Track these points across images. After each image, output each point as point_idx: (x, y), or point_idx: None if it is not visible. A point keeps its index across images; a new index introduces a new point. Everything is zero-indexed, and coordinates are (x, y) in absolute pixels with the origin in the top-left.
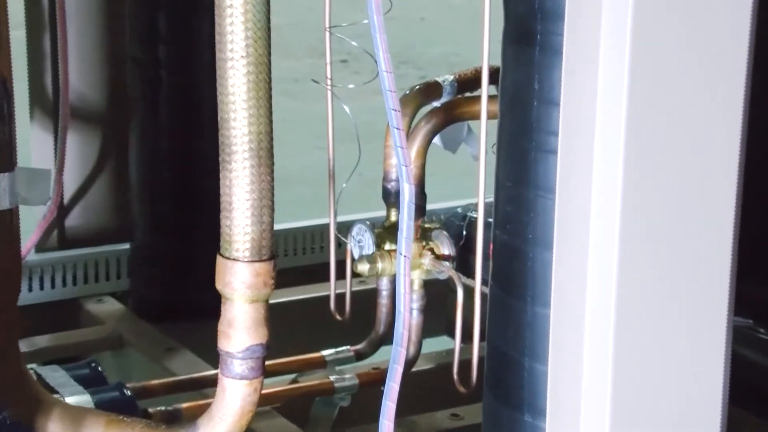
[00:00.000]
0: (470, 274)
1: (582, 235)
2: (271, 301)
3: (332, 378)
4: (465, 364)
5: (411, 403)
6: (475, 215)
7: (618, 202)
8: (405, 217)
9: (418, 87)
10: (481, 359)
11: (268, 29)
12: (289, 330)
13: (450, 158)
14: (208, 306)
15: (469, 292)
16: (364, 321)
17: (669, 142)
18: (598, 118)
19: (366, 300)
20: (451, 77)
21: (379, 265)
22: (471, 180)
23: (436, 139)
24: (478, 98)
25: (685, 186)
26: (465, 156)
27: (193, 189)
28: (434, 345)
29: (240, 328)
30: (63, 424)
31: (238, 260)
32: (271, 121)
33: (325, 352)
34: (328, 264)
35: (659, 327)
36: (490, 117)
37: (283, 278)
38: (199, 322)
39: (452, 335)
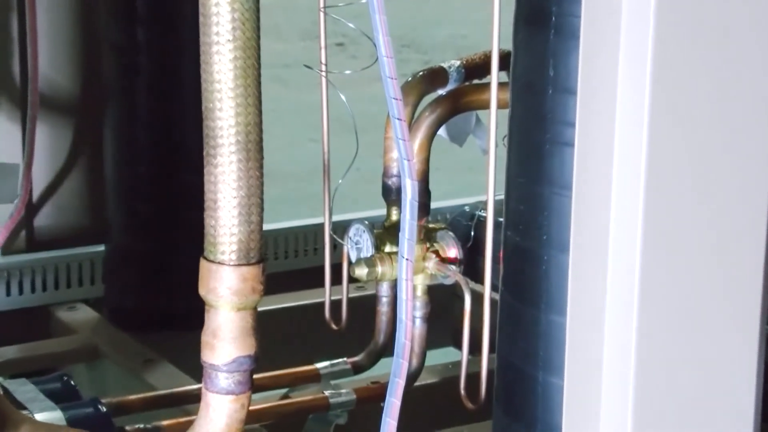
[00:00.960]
0: (479, 279)
1: (601, 235)
2: (260, 309)
3: (327, 393)
4: (473, 377)
5: (413, 421)
6: (484, 214)
7: (641, 199)
8: (407, 217)
9: (421, 73)
10: (490, 372)
11: (257, 10)
12: (280, 340)
13: (456, 152)
14: (191, 314)
15: (477, 298)
16: (363, 330)
17: (696, 133)
18: (618, 107)
19: (364, 307)
20: (458, 62)
21: (379, 269)
22: (479, 175)
23: (442, 131)
24: (487, 86)
25: (713, 180)
26: (473, 149)
27: (175, 186)
28: (439, 357)
29: (226, 339)
30: None
31: (223, 264)
32: (260, 111)
33: (320, 365)
34: (322, 268)
35: (686, 338)
36: (500, 106)
37: (273, 283)
38: (181, 331)
39: (459, 346)
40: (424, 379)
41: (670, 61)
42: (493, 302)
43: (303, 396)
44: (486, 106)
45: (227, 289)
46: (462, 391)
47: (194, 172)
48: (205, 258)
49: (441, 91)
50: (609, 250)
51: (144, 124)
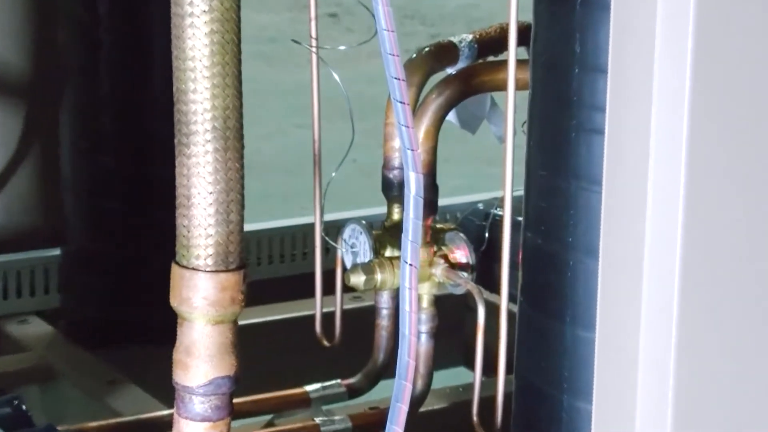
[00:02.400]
0: (494, 288)
1: (635, 237)
2: (241, 323)
3: (318, 420)
4: (487, 402)
5: None
6: (500, 213)
7: (681, 195)
8: (411, 215)
9: (428, 49)
10: (507, 396)
11: None
12: (264, 359)
13: (468, 140)
14: (161, 328)
15: (492, 310)
16: (359, 348)
17: (744, 117)
18: (655, 88)
19: (361, 321)
20: (470, 37)
21: (378, 277)
22: (495, 168)
23: (451, 116)
24: (503, 64)
25: (763, 172)
26: (487, 137)
27: (143, 179)
28: (448, 378)
29: (201, 357)
30: None
31: (198, 270)
32: (240, 93)
33: (310, 387)
34: (312, 275)
35: (732, 357)
36: (519, 88)
37: (256, 293)
38: (150, 348)
39: (471, 366)
40: (430, 404)
41: (714, 34)
42: (510, 315)
43: (290, 423)
44: (502, 87)
45: (203, 300)
46: (474, 418)
47: (165, 164)
48: (177, 263)
49: (450, 70)
50: (645, 254)
51: (107, 108)
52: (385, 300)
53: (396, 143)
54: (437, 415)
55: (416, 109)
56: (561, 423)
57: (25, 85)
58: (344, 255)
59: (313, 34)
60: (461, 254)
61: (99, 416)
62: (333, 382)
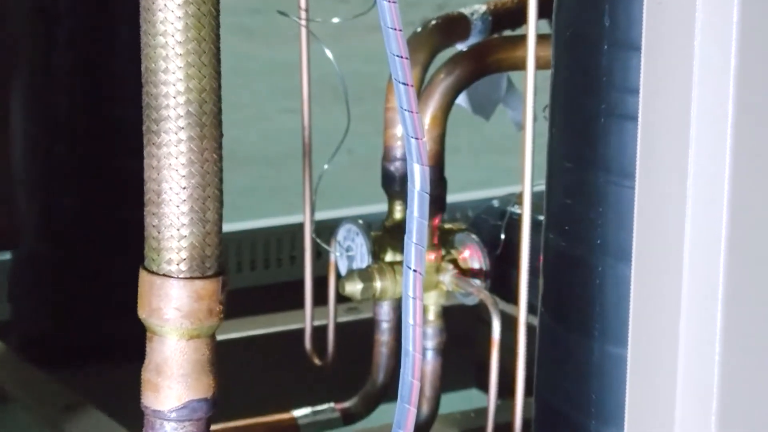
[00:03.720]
0: (511, 298)
1: (673, 239)
2: (220, 337)
3: None
4: (503, 429)
5: None
6: (518, 211)
7: (725, 190)
8: (415, 214)
9: (435, 22)
10: (526, 422)
11: None
12: (246, 379)
13: (481, 127)
14: (127, 344)
15: (509, 323)
16: (355, 366)
17: None
18: (696, 66)
19: (358, 336)
20: (483, 8)
21: (377, 285)
22: (512, 159)
23: (462, 99)
24: (522, 39)
25: None
26: (503, 124)
27: (105, 174)
28: (458, 402)
29: (174, 377)
30: None
31: (170, 276)
32: (218, 73)
33: (299, 412)
34: (301, 283)
35: None
36: (540, 67)
37: (237, 303)
38: (114, 367)
39: (484, 387)
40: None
41: (764, 4)
42: (529, 329)
43: None
44: (520, 66)
45: (176, 311)
46: None
47: (132, 155)
48: (146, 269)
49: (461, 46)
50: (684, 258)
51: (65, 90)
52: (385, 312)
53: (398, 131)
54: None
55: (421, 91)
56: None
57: None
58: (338, 259)
59: (303, 5)
60: (473, 258)
61: None
62: (325, 406)
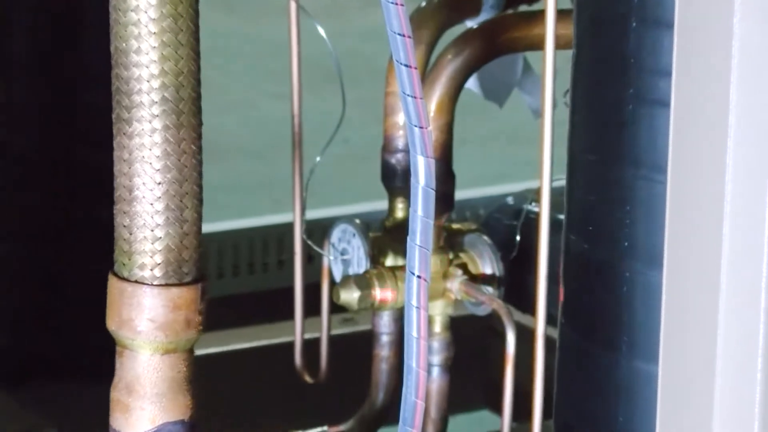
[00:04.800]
0: (528, 307)
1: (710, 241)
2: (199, 352)
3: None
4: None
5: None
6: (535, 209)
7: None
8: (419, 213)
9: None
10: None
11: None
12: (229, 399)
13: (494, 114)
14: (94, 359)
15: (525, 336)
16: (352, 384)
17: None
18: (735, 47)
19: (355, 350)
20: None
21: (377, 293)
22: (528, 150)
23: (472, 83)
24: (539, 15)
25: None
26: (519, 110)
27: (68, 167)
28: (468, 425)
29: (146, 396)
30: None
31: (143, 283)
32: (197, 54)
33: None
34: (290, 290)
35: None
36: (559, 46)
37: (218, 313)
38: (79, 385)
39: (497, 408)
40: None
41: None
42: (548, 342)
43: None
44: (538, 45)
45: (149, 322)
46: None
47: (100, 146)
48: (116, 275)
49: (470, 23)
50: (722, 263)
51: (21, 72)
52: (385, 323)
53: (400, 118)
54: None
55: (426, 73)
56: None
57: None
58: (332, 264)
59: None
60: (485, 263)
61: None
62: (318, 429)
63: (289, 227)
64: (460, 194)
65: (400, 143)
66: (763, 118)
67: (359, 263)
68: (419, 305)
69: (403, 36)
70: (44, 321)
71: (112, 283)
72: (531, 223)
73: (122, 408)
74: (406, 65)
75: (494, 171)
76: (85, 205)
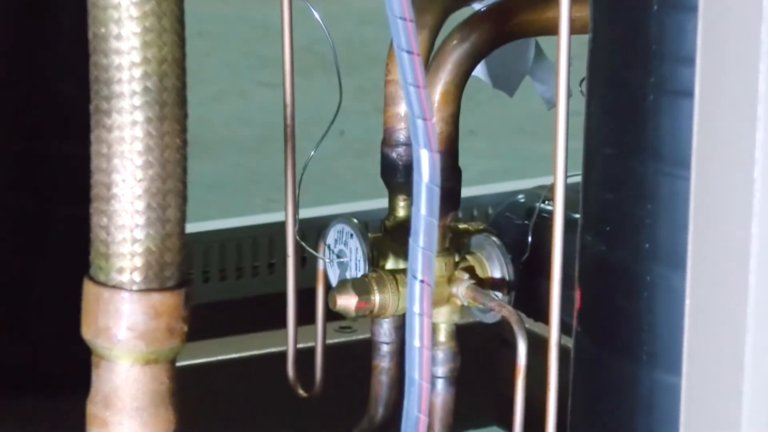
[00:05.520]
0: (540, 315)
1: (739, 242)
2: (182, 363)
3: None
4: None
5: None
6: (548, 208)
7: None
8: (422, 211)
9: None
10: None
11: None
12: (215, 414)
13: (504, 104)
14: (68, 371)
15: (538, 345)
16: (349, 398)
17: None
18: (766, 30)
19: (352, 361)
20: None
21: (376, 299)
22: (542, 144)
23: (480, 71)
24: None
25: None
26: (531, 100)
27: (41, 161)
28: None
29: (126, 411)
30: None
31: (122, 288)
32: (182, 40)
33: None
34: (282, 295)
35: None
36: (575, 31)
37: (204, 321)
38: (51, 398)
39: (507, 424)
40: None
41: None
42: (563, 352)
43: None
44: (551, 30)
45: (128, 331)
46: None
47: (76, 139)
48: (92, 279)
49: (478, 6)
50: (751, 266)
51: None
52: (385, 331)
53: (401, 109)
54: None
55: (430, 60)
56: None
57: None
58: (328, 267)
59: None
60: (494, 266)
61: None
62: None
63: (281, 227)
64: (466, 191)
65: (401, 136)
66: None
67: (357, 266)
68: (422, 312)
69: (405, 20)
70: (13, 329)
71: (88, 288)
72: (544, 222)
73: (99, 423)
74: (407, 51)
75: (504, 166)
76: (58, 203)
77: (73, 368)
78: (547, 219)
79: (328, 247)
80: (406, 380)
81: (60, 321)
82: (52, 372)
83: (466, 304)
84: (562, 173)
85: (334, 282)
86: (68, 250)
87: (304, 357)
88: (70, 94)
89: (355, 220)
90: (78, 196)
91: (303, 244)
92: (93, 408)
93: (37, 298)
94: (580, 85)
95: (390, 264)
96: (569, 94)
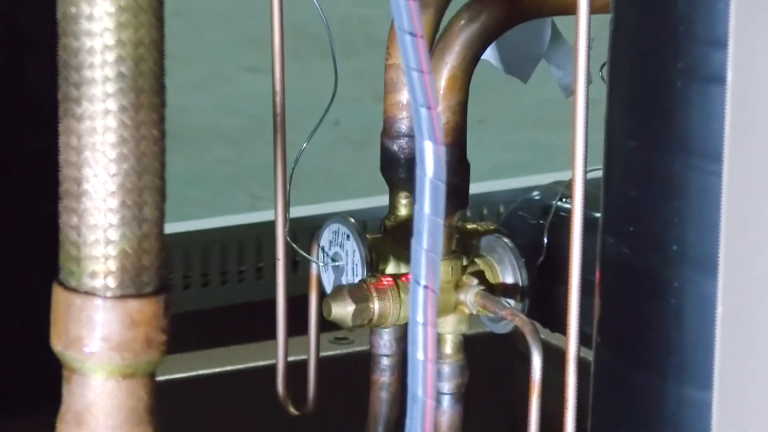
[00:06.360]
0: (557, 324)
1: None
2: (162, 377)
3: None
4: None
5: None
6: (566, 206)
7: None
8: (426, 210)
9: None
10: None
11: None
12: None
13: (517, 91)
14: (36, 385)
15: (554, 358)
16: (346, 416)
17: None
18: None
19: (349, 375)
20: None
21: (375, 306)
22: (557, 135)
23: (490, 54)
24: None
25: None
26: (546, 86)
27: (5, 155)
28: None
29: (99, 429)
30: None
31: (95, 295)
32: (160, 21)
33: None
34: (271, 303)
35: None
36: (595, 11)
37: (184, 331)
38: (17, 416)
39: None
40: None
41: None
42: (582, 365)
43: None
44: (569, 9)
45: (102, 341)
46: None
47: (42, 131)
48: (62, 284)
49: None
50: None
51: None
52: (385, 343)
53: (403, 96)
54: None
55: (435, 43)
56: None
57: None
58: (322, 272)
59: None
60: (505, 270)
61: None
62: None
63: (269, 227)
64: (475, 187)
65: (403, 126)
66: None
67: (354, 271)
68: (426, 321)
69: None
70: None
71: (58, 294)
72: (561, 222)
73: None
74: (410, 33)
75: (517, 159)
76: (23, 200)
77: (42, 383)
78: (564, 218)
79: (322, 249)
80: (408, 397)
81: (26, 330)
82: (16, 387)
83: (474, 312)
84: (581, 168)
85: (328, 288)
86: (34, 253)
87: (296, 371)
88: (37, 80)
89: (352, 220)
90: (47, 193)
91: (294, 246)
92: (63, 426)
93: (1, 306)
94: (601, 71)
95: (391, 268)
96: (589, 81)
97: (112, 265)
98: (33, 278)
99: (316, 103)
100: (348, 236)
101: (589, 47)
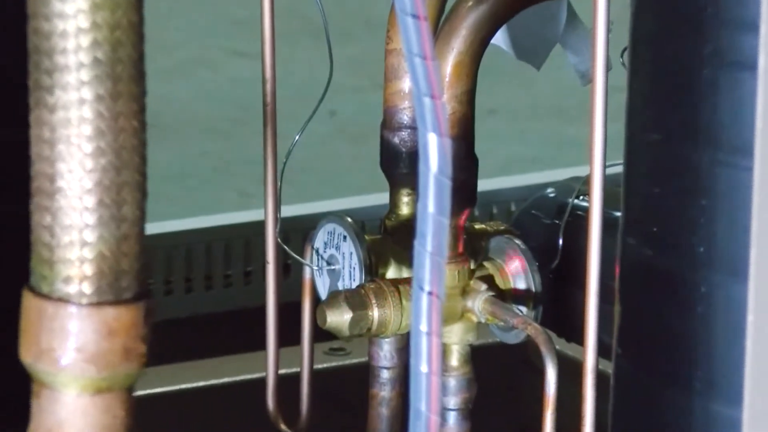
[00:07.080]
0: (573, 333)
1: None
2: (142, 392)
3: None
4: None
5: None
6: (583, 204)
7: None
8: (430, 209)
9: None
10: None
11: None
12: None
13: (529, 78)
14: (3, 400)
15: (571, 370)
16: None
17: None
18: None
19: (345, 389)
20: None
21: (375, 314)
22: (574, 126)
23: (500, 39)
24: None
25: None
26: (562, 74)
27: None
28: None
29: None
30: None
31: (68, 302)
32: (140, 0)
33: None
34: (260, 310)
35: None
36: None
37: (167, 341)
38: None
39: None
40: None
41: None
42: (601, 378)
43: None
44: None
45: (76, 353)
46: None
47: (11, 124)
48: (33, 290)
49: None
50: None
51: None
52: (385, 354)
53: (405, 84)
54: None
55: (440, 26)
56: None
57: None
58: (316, 276)
59: None
60: (517, 275)
61: None
62: None
63: (259, 227)
64: (484, 184)
65: (405, 117)
66: None
67: (351, 275)
68: (430, 331)
69: None
70: None
71: (29, 301)
72: (578, 222)
73: None
74: (412, 15)
75: (530, 153)
76: None
77: (9, 398)
78: (581, 217)
79: (317, 251)
80: (410, 413)
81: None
82: None
83: (483, 320)
84: (599, 162)
85: (323, 294)
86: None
87: (288, 385)
88: (6, 67)
89: (349, 219)
90: (17, 191)
91: (286, 248)
92: None
93: None
94: (622, 56)
95: (391, 272)
96: (608, 67)
97: (88, 270)
98: (1, 283)
99: (309, 91)
100: (345, 237)
101: (609, 30)
